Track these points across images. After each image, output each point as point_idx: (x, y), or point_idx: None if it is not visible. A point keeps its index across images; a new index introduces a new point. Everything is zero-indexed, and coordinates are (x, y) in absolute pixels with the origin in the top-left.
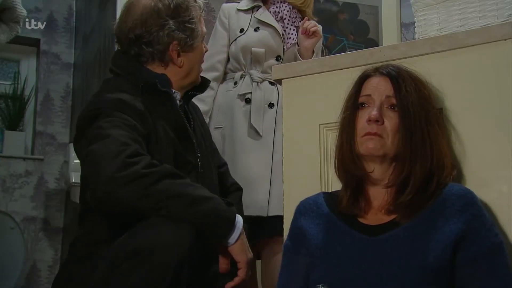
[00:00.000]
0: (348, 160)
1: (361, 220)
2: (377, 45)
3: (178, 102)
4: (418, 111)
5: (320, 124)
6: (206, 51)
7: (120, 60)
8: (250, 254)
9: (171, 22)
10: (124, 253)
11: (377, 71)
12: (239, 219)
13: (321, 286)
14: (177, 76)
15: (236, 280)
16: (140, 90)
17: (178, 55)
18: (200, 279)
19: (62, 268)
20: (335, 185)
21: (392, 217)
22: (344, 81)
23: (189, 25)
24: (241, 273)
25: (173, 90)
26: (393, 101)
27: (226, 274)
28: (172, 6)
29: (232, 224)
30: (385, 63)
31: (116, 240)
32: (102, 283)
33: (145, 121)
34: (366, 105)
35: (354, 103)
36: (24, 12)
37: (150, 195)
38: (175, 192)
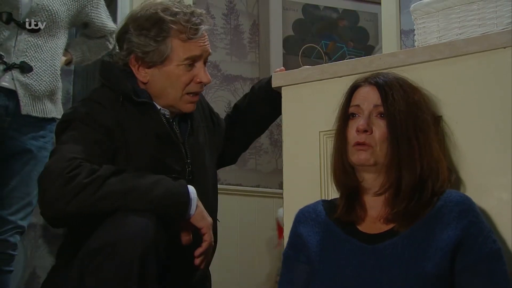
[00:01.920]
0: (340, 170)
1: (360, 228)
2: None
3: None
4: (405, 118)
5: (320, 132)
6: (198, 81)
7: (105, 70)
8: (210, 218)
9: (134, 33)
10: (91, 252)
11: (366, 81)
12: (191, 189)
13: None
14: (151, 93)
15: (204, 245)
16: (120, 101)
17: (139, 68)
18: (180, 273)
19: (47, 275)
20: (335, 192)
21: (391, 226)
22: (344, 88)
23: (151, 43)
24: (207, 237)
25: (159, 107)
26: (381, 109)
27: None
28: (138, 15)
29: (187, 197)
30: (375, 72)
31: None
32: (77, 284)
33: (113, 135)
34: (356, 115)
35: (344, 114)
36: (108, 26)
37: (101, 199)
38: (123, 188)
